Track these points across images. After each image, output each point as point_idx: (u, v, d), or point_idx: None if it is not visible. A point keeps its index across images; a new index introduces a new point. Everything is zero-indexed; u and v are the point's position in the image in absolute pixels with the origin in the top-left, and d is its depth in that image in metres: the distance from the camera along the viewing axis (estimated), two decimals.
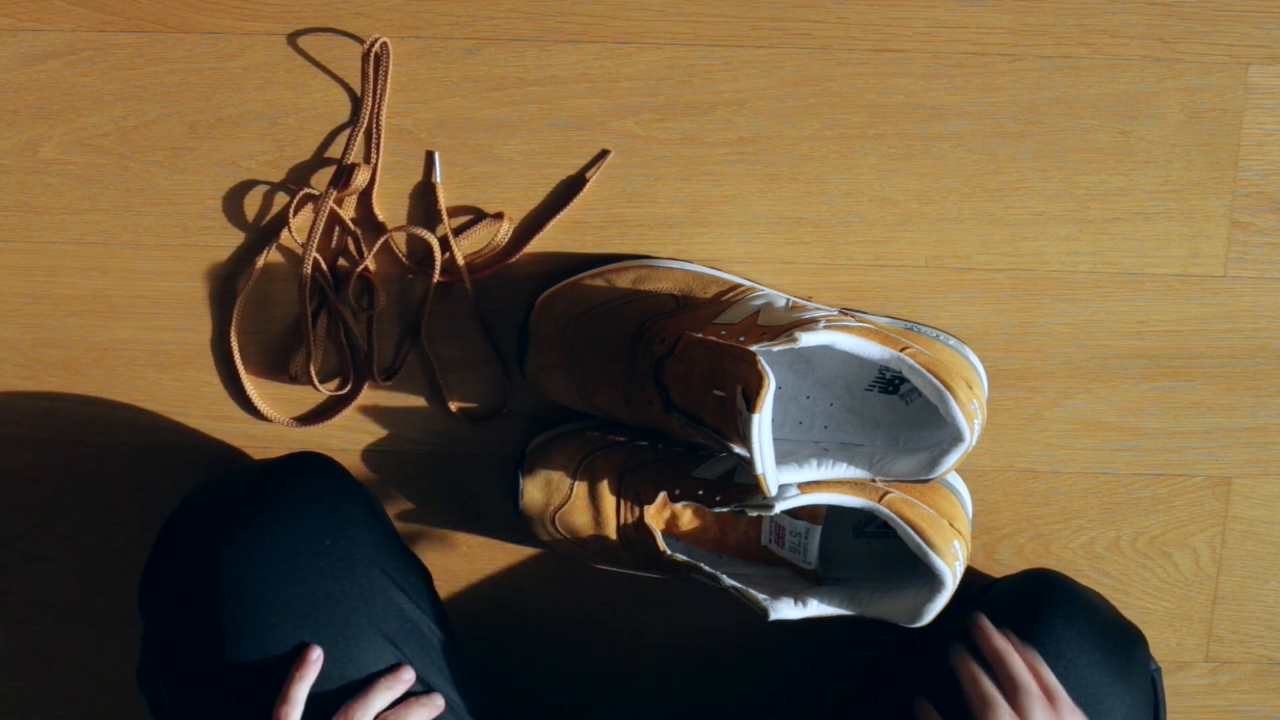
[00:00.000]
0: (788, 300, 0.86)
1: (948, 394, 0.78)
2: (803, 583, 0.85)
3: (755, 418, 0.75)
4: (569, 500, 0.88)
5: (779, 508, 0.79)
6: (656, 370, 0.82)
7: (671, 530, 0.87)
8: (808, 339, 0.77)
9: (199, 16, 0.88)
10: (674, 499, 0.85)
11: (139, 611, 0.84)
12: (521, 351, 0.88)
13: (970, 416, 0.79)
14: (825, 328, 0.79)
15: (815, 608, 0.82)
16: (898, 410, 0.85)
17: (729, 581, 0.82)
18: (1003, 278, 0.91)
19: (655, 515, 0.86)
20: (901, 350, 0.79)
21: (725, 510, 0.83)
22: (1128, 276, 0.91)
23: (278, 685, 0.77)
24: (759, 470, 0.75)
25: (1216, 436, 0.93)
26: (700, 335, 0.81)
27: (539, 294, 0.88)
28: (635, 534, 0.86)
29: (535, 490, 0.89)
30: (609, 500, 0.87)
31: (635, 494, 0.86)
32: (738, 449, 0.78)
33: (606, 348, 0.86)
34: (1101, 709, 0.80)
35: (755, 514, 0.82)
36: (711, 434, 0.80)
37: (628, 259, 0.89)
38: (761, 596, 0.81)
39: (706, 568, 0.83)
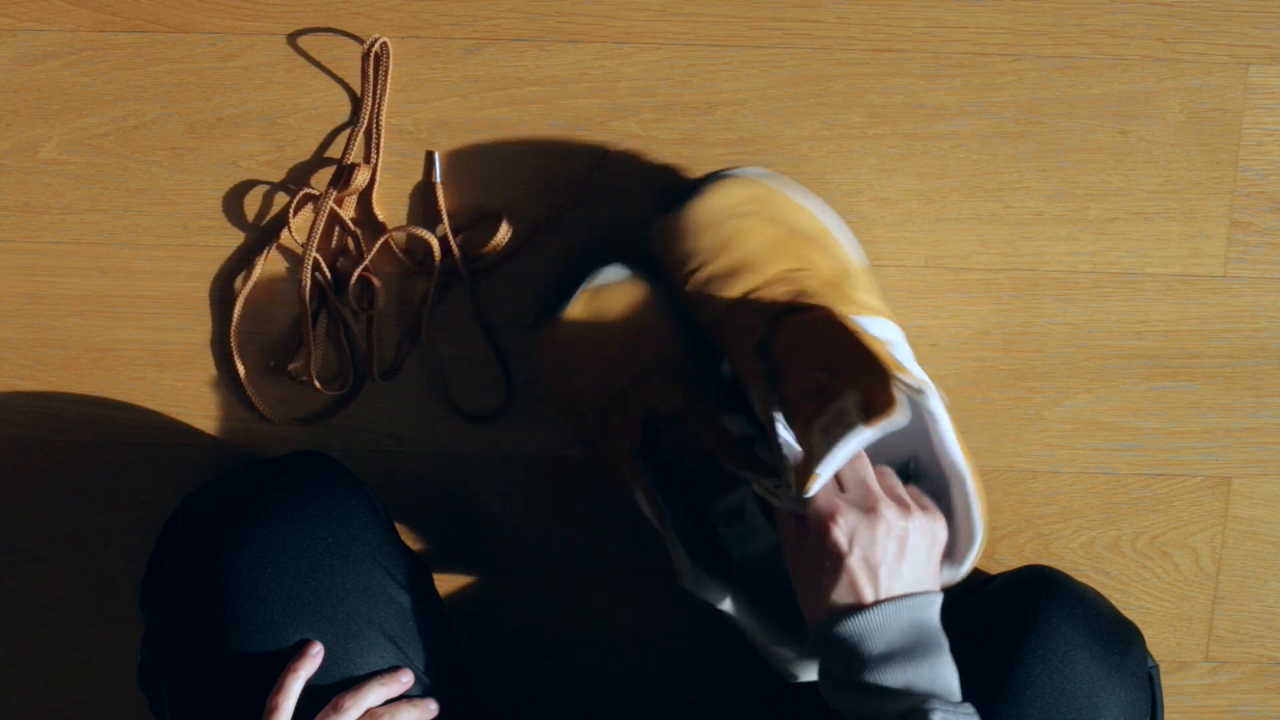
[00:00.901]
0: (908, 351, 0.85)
1: (979, 531, 0.80)
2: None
3: (864, 431, 0.73)
4: (601, 349, 0.84)
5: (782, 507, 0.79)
6: (776, 316, 0.80)
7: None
8: (932, 406, 0.76)
9: (199, 16, 0.88)
10: (690, 433, 0.83)
11: (140, 610, 0.84)
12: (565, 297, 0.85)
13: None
14: (941, 406, 0.77)
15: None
16: None
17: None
18: (1003, 278, 0.91)
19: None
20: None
21: (735, 472, 0.81)
22: (1128, 276, 0.91)
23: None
24: (819, 470, 0.74)
25: (1216, 436, 0.93)
26: (843, 316, 0.78)
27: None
28: (622, 425, 0.83)
29: (582, 311, 0.84)
30: (632, 370, 0.84)
31: (660, 394, 0.83)
32: (781, 431, 0.76)
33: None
34: (1096, 704, 0.80)
35: (761, 492, 0.80)
36: (772, 400, 0.78)
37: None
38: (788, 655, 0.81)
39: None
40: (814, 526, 0.74)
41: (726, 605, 0.81)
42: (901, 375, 0.74)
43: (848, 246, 0.85)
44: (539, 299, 0.89)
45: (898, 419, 0.73)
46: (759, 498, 0.83)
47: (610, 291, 0.84)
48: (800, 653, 0.83)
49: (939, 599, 0.74)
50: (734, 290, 0.82)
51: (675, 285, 0.84)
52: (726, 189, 0.82)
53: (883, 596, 0.73)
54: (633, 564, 0.94)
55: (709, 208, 0.82)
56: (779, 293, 0.81)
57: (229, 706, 0.78)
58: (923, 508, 0.76)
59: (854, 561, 0.73)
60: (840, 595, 0.73)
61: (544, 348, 0.86)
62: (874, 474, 0.76)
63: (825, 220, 0.84)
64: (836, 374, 0.76)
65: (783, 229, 0.82)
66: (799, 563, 0.76)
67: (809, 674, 0.82)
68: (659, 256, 0.84)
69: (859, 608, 0.72)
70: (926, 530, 0.75)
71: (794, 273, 0.81)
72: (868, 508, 0.74)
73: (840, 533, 0.73)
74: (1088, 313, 0.91)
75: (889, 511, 0.74)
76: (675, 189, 0.84)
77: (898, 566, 0.73)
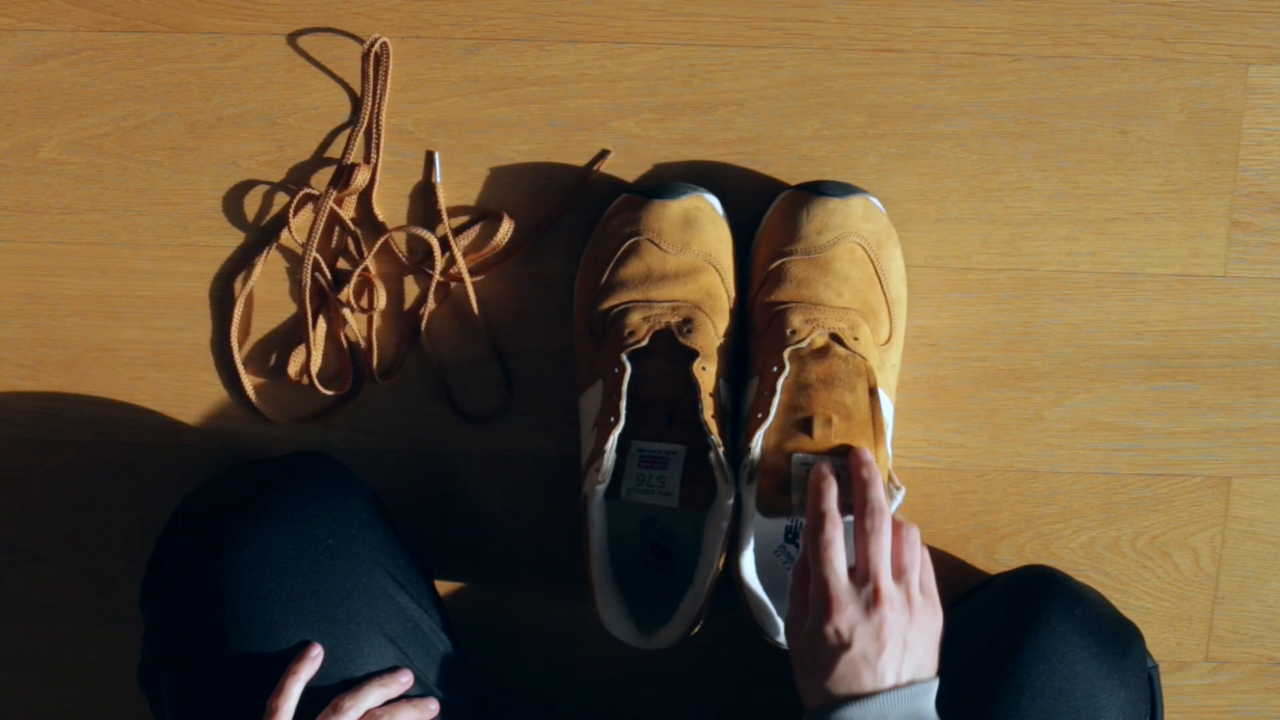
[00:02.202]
0: None
1: None
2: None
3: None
4: (674, 251, 0.85)
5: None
6: (830, 338, 0.84)
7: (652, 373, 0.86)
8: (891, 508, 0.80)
9: (199, 16, 0.88)
10: (686, 375, 0.84)
11: (141, 610, 0.84)
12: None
13: None
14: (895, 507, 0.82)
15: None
16: None
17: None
18: (1003, 278, 0.91)
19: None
20: None
21: (708, 430, 0.82)
22: (1128, 276, 0.91)
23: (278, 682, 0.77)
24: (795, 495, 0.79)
25: (1216, 436, 0.93)
26: (876, 391, 0.82)
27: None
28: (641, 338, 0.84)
29: (680, 210, 0.86)
30: (682, 287, 0.85)
31: (690, 324, 0.84)
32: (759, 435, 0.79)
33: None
34: (1096, 704, 0.80)
35: (715, 463, 0.82)
36: (773, 399, 0.81)
37: None
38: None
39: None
40: (815, 613, 0.74)
41: (597, 503, 0.82)
42: (892, 483, 0.80)
43: (903, 319, 0.88)
44: (647, 177, 0.90)
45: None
46: (686, 466, 0.84)
47: (710, 214, 0.86)
48: (621, 608, 0.85)
49: (935, 686, 0.74)
50: (804, 290, 0.84)
51: (757, 251, 0.87)
52: (864, 210, 0.86)
53: (883, 686, 0.72)
54: None
55: (840, 212, 0.85)
56: (833, 320, 0.84)
57: (229, 707, 0.78)
58: (925, 597, 0.76)
59: (854, 655, 0.73)
60: (837, 684, 0.73)
61: (624, 218, 0.87)
62: (888, 562, 0.75)
63: (903, 289, 0.88)
64: (839, 428, 0.82)
65: (873, 274, 0.86)
66: (797, 642, 0.76)
67: (612, 620, 0.85)
68: (768, 219, 0.87)
69: (858, 696, 0.72)
70: (926, 626, 0.75)
71: (856, 314, 0.84)
72: (871, 604, 0.73)
73: (842, 626, 0.73)
74: (1088, 313, 0.91)
75: (891, 614, 0.73)
76: (815, 181, 0.86)
77: (897, 660, 0.73)
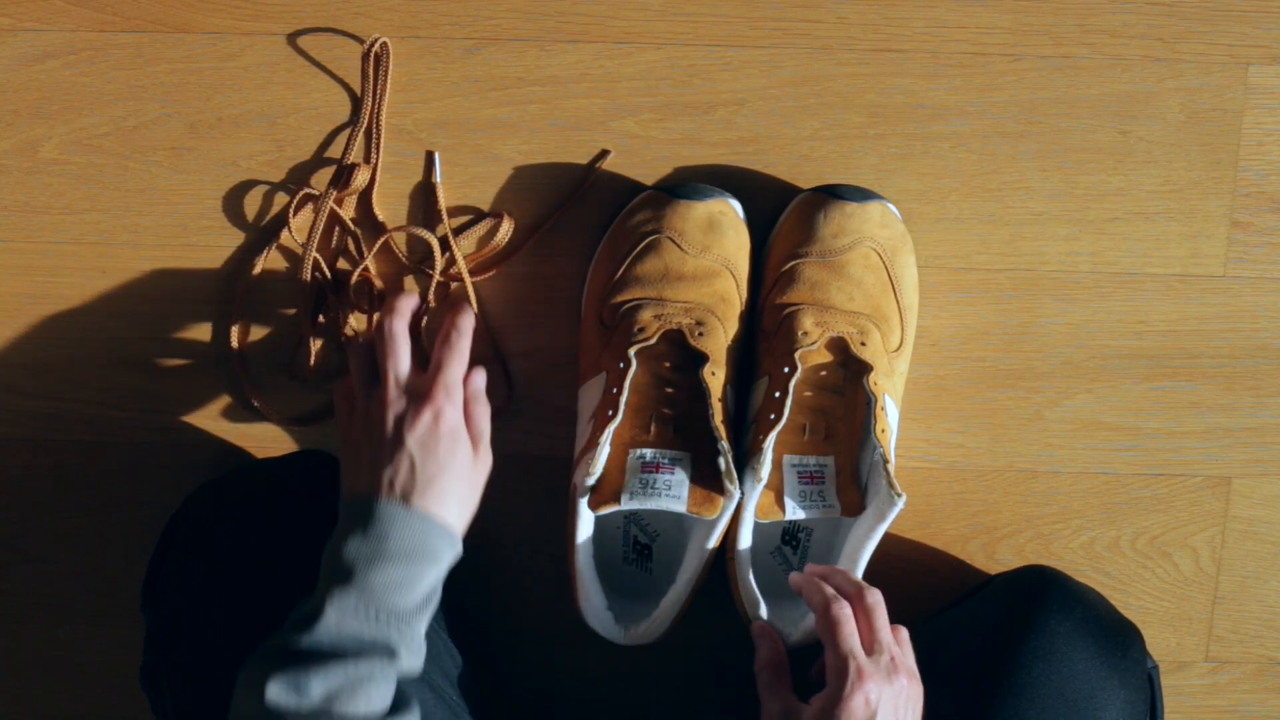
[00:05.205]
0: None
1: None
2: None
3: (836, 513, 0.82)
4: (694, 251, 0.85)
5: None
6: (843, 349, 0.85)
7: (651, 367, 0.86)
8: (891, 514, 0.82)
9: (199, 16, 0.88)
10: (693, 380, 0.84)
11: (142, 611, 0.84)
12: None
13: None
14: (893, 515, 0.83)
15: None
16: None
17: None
18: (1003, 278, 0.91)
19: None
20: None
21: (714, 430, 0.82)
22: (1128, 276, 0.91)
23: None
24: (788, 509, 0.81)
25: (1216, 436, 0.93)
26: (880, 402, 0.82)
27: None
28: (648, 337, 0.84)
29: (704, 213, 0.85)
30: (698, 289, 0.85)
31: (702, 327, 0.84)
32: (769, 446, 0.80)
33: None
34: (1096, 704, 0.80)
35: (725, 466, 0.82)
36: (783, 404, 0.82)
37: None
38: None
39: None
40: (838, 687, 0.75)
41: (585, 495, 0.82)
42: (898, 491, 0.81)
43: (913, 326, 0.88)
44: (670, 177, 0.90)
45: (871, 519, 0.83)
46: (692, 463, 0.84)
47: (733, 219, 0.86)
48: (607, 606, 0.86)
49: None
50: (816, 292, 0.84)
51: (771, 252, 0.87)
52: (881, 215, 0.86)
53: None
54: None
55: (857, 217, 0.85)
56: (844, 324, 0.84)
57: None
58: (913, 671, 0.78)
59: None
60: None
61: (647, 214, 0.86)
62: (890, 635, 0.78)
63: (915, 296, 0.88)
64: (837, 435, 0.83)
65: (887, 280, 0.86)
66: None
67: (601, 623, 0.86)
68: (784, 220, 0.87)
69: None
70: (921, 697, 0.77)
71: (867, 319, 0.84)
72: (891, 671, 0.76)
73: (871, 694, 0.74)
74: (1088, 313, 0.91)
75: (908, 680, 0.76)
76: (833, 184, 0.87)
77: None
